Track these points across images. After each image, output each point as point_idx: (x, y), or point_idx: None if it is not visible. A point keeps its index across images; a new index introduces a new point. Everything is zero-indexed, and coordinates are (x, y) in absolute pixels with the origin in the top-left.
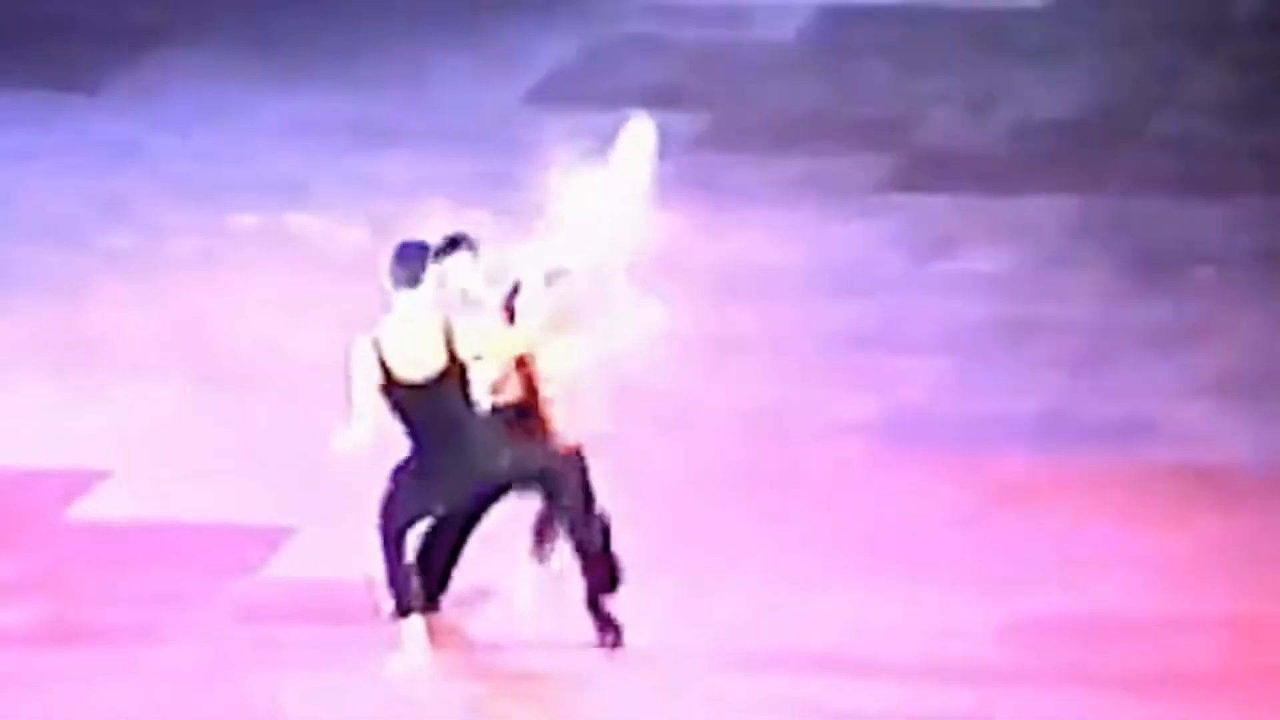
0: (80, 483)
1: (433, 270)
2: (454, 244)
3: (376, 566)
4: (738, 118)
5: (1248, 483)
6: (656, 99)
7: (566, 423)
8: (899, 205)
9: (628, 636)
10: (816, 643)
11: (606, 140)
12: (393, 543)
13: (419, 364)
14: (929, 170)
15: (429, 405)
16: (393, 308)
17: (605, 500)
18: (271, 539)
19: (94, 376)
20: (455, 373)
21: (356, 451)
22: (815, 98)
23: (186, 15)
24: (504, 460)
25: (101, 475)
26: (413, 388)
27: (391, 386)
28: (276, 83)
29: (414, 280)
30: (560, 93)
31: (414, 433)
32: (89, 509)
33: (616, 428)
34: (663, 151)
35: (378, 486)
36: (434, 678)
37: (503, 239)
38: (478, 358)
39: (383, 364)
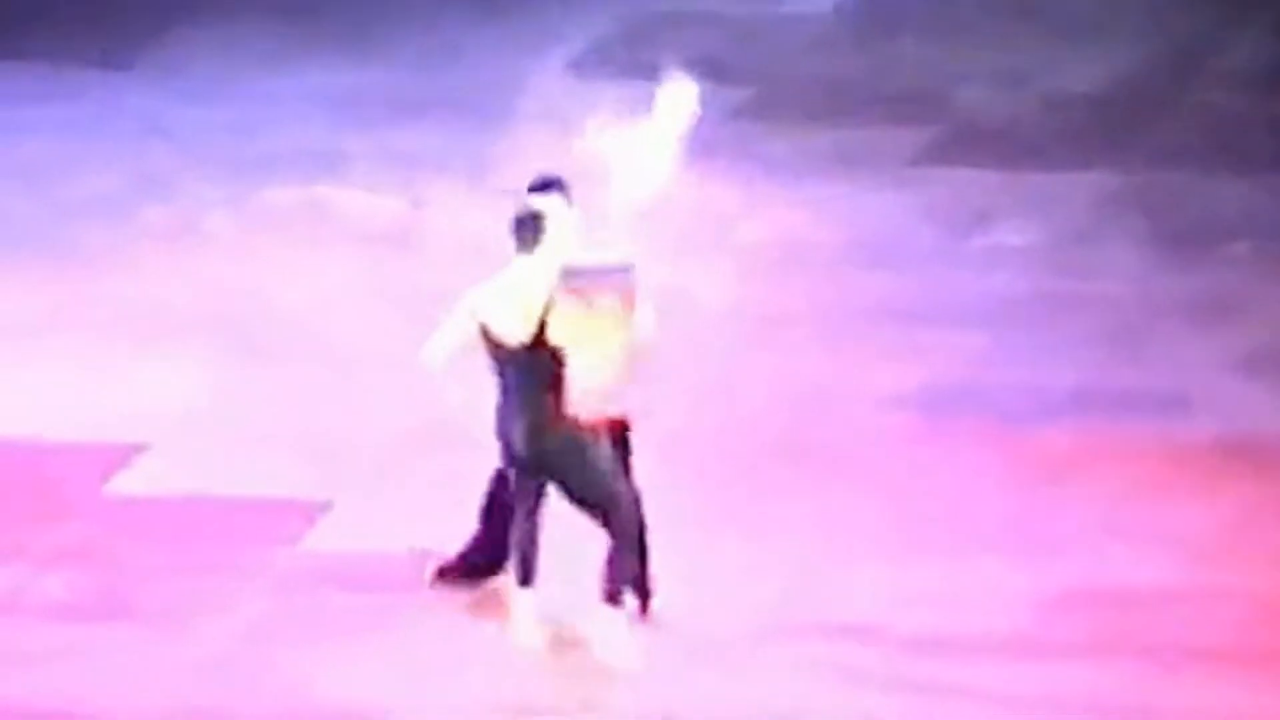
0: (118, 456)
1: (548, 240)
2: (547, 186)
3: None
4: (775, 92)
5: None
6: (694, 72)
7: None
8: (935, 179)
9: (670, 607)
10: (856, 613)
11: (645, 111)
12: (496, 507)
13: (509, 329)
14: (964, 144)
15: (509, 369)
16: (505, 271)
17: (647, 472)
18: (309, 512)
19: (130, 350)
20: (539, 349)
21: (431, 367)
22: (852, 71)
23: None
24: (526, 444)
25: (139, 448)
26: (499, 346)
27: (486, 338)
28: (310, 55)
29: (529, 246)
30: (597, 66)
31: (499, 391)
32: (127, 482)
33: (655, 404)
34: (700, 124)
35: (414, 459)
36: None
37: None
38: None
39: (484, 324)
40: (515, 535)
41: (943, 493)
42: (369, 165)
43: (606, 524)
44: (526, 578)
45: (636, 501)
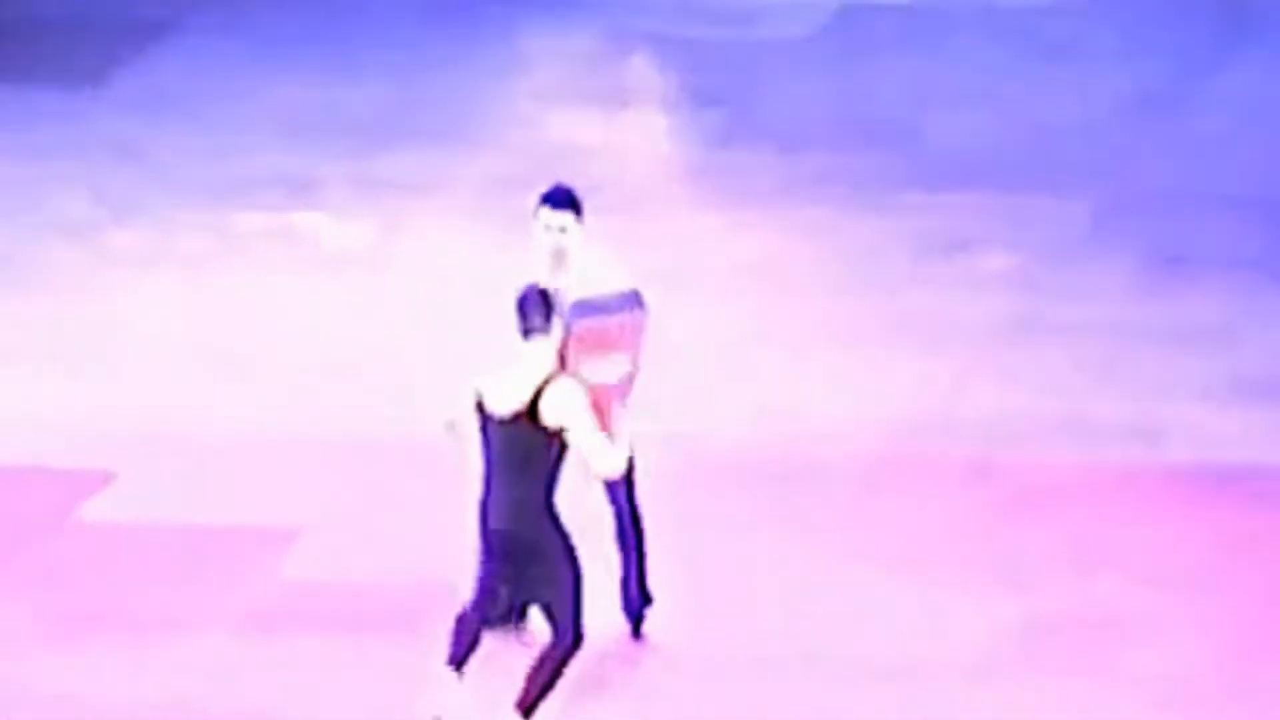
0: (88, 482)
1: (556, 320)
2: (563, 200)
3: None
4: (754, 116)
5: (1266, 483)
6: (671, 96)
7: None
8: (913, 204)
9: (648, 635)
10: (830, 642)
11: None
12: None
13: (501, 398)
14: (943, 168)
15: (496, 442)
16: (517, 350)
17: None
18: (281, 539)
19: (99, 375)
20: (530, 424)
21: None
22: (832, 96)
23: (194, 10)
24: (503, 521)
25: (109, 475)
26: (488, 418)
27: (479, 410)
28: (282, 79)
29: (543, 329)
30: (574, 90)
31: (484, 461)
32: (97, 508)
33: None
34: (679, 149)
35: (387, 484)
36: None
37: (511, 242)
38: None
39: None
40: (459, 618)
41: (922, 520)
42: (341, 189)
43: (554, 628)
44: (459, 658)
45: (637, 516)
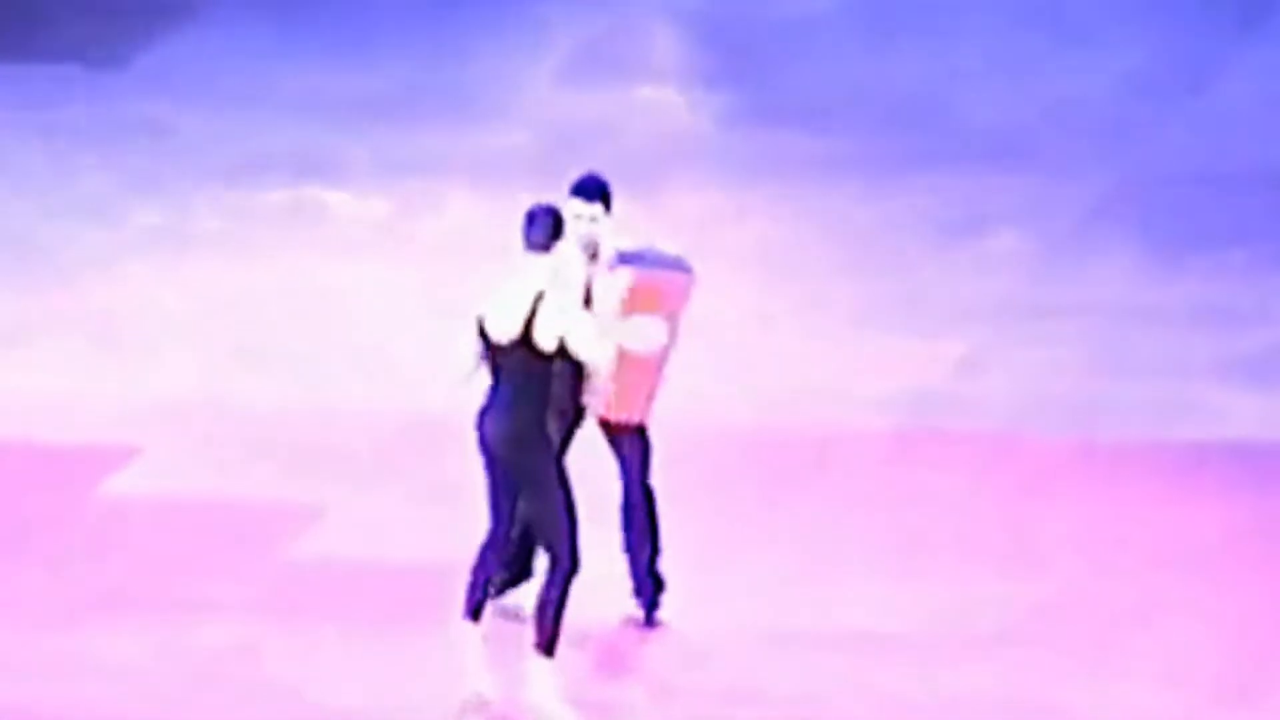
0: (113, 457)
1: (561, 242)
2: (593, 190)
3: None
4: (769, 94)
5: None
6: (687, 75)
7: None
8: (927, 184)
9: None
10: (842, 622)
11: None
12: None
13: (502, 326)
14: (958, 149)
15: (500, 367)
16: (517, 266)
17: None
18: (303, 514)
19: (123, 353)
20: (527, 345)
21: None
22: (847, 76)
23: None
24: (498, 445)
25: (132, 451)
26: (491, 344)
27: (482, 335)
28: (303, 58)
29: (545, 246)
30: (590, 69)
31: (490, 385)
32: (120, 485)
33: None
34: (694, 127)
35: (405, 463)
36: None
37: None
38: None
39: (481, 318)
40: (479, 553)
41: (930, 500)
42: (361, 168)
43: (550, 557)
44: (476, 610)
45: (650, 499)
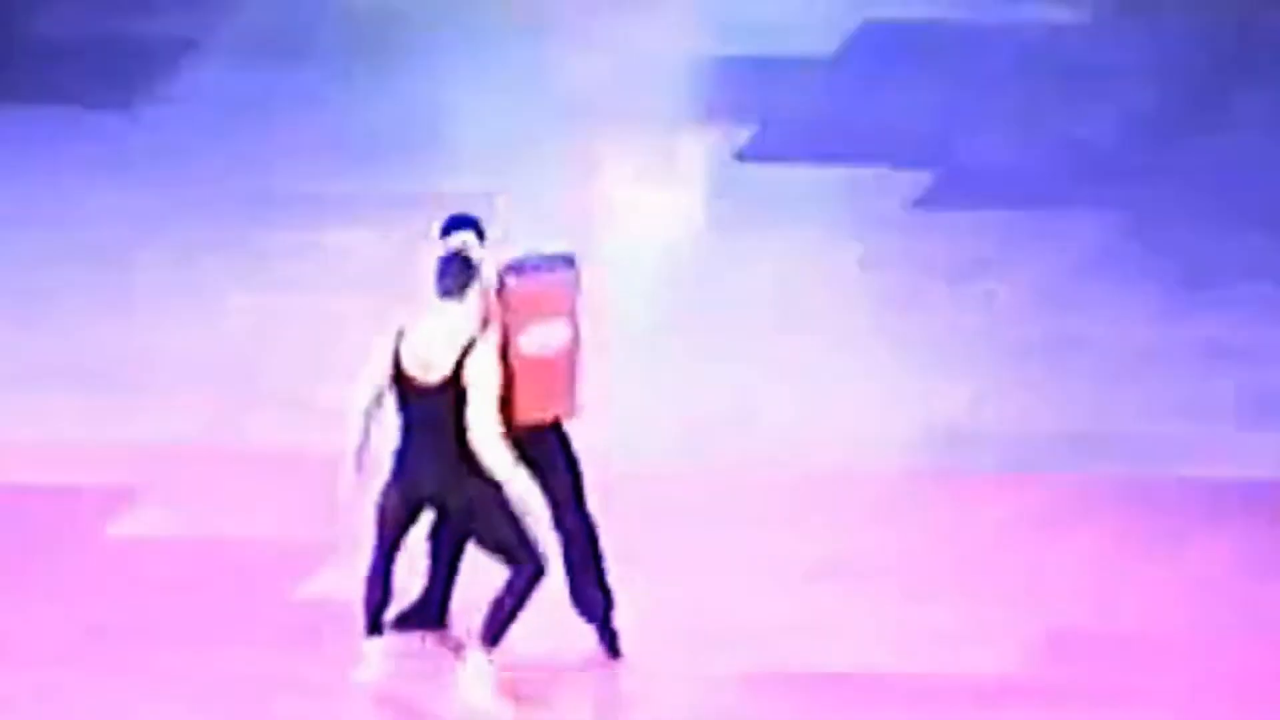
0: (114, 500)
1: (477, 286)
2: (462, 224)
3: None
4: (776, 133)
5: None
6: (694, 113)
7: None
8: (934, 221)
9: (651, 652)
10: (847, 659)
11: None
12: (375, 552)
13: (428, 366)
14: (965, 186)
15: (417, 407)
16: (430, 311)
17: (636, 519)
18: (304, 555)
19: (129, 393)
20: (454, 388)
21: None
22: (855, 113)
23: (220, 29)
24: (428, 486)
25: (138, 492)
26: (410, 383)
27: (399, 380)
28: (310, 96)
29: (459, 292)
30: (596, 108)
31: (402, 429)
32: (127, 526)
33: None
34: (700, 166)
35: None
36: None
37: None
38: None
39: (397, 358)
40: (372, 576)
41: (937, 538)
42: (368, 207)
43: (512, 568)
44: (374, 621)
45: (589, 524)
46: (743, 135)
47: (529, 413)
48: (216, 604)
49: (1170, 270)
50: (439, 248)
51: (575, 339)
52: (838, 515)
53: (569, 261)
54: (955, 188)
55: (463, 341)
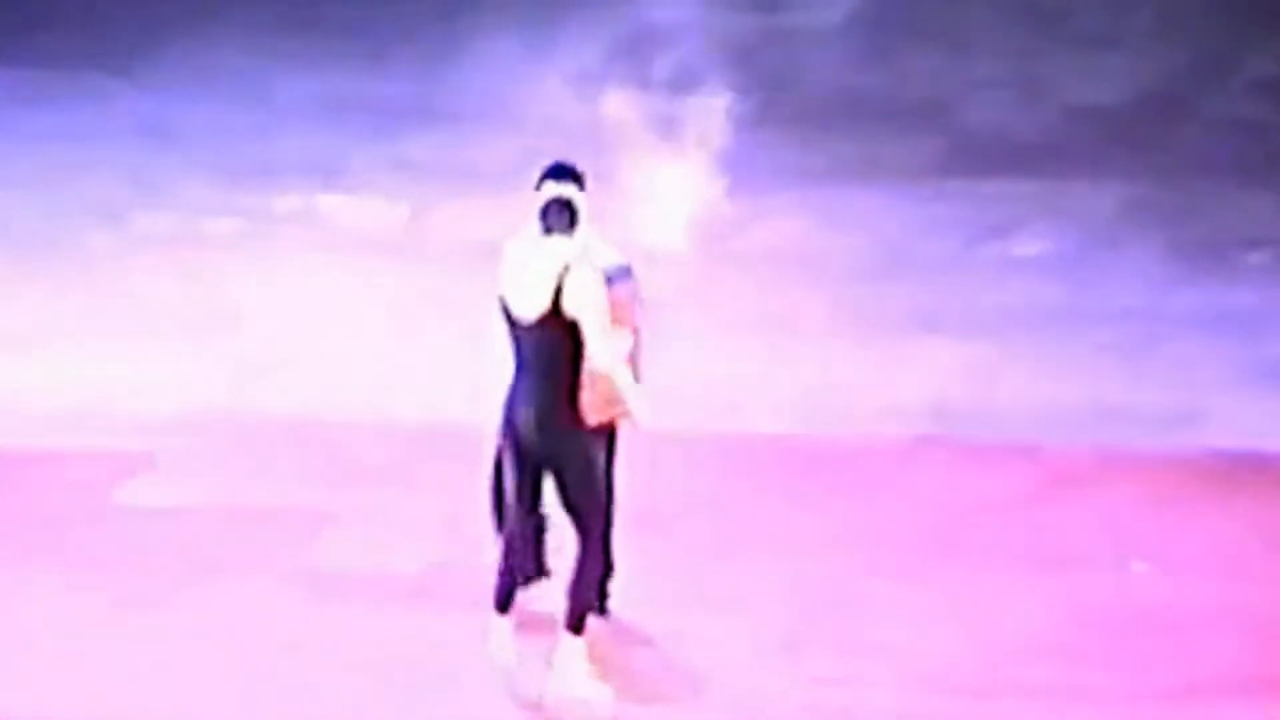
0: (124, 464)
1: (584, 226)
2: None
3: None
4: (786, 101)
5: None
6: (704, 82)
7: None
8: (948, 189)
9: (672, 620)
10: (864, 628)
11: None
12: (498, 513)
13: (528, 303)
14: (978, 154)
15: (519, 346)
16: (529, 247)
17: (650, 483)
18: (312, 521)
19: (132, 357)
20: (554, 323)
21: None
22: (864, 81)
23: None
24: (533, 430)
25: (142, 457)
26: (515, 323)
27: (505, 313)
28: (310, 62)
29: (566, 228)
30: (604, 76)
31: (515, 365)
32: (131, 492)
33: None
34: (711, 134)
35: (415, 467)
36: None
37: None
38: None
39: (503, 300)
40: (506, 542)
41: (954, 506)
42: (370, 173)
43: (584, 536)
44: (505, 602)
45: (610, 500)
46: (753, 103)
47: (595, 416)
48: (226, 570)
49: (1180, 237)
50: (539, 195)
51: (636, 347)
52: (846, 481)
53: (627, 272)
54: (965, 154)
55: (557, 273)
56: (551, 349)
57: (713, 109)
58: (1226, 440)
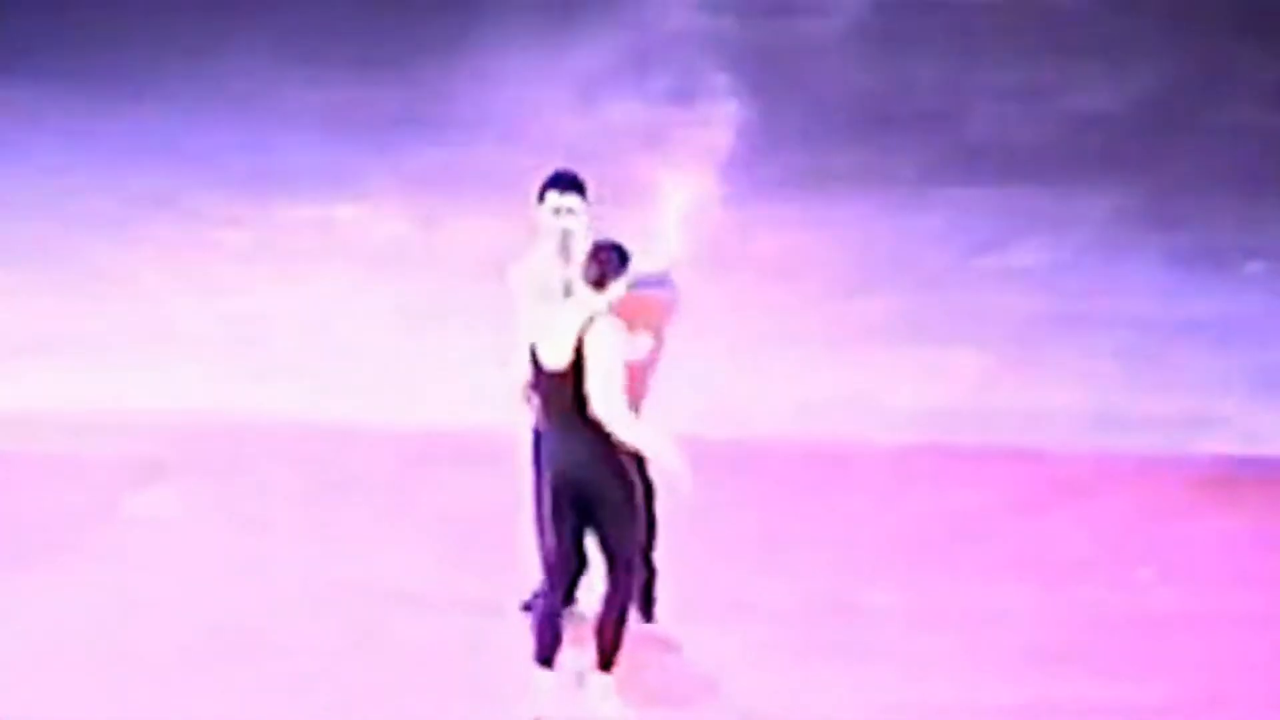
0: (130, 473)
1: (622, 279)
2: (569, 183)
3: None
4: (787, 109)
5: None
6: (708, 92)
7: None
8: (949, 197)
9: (670, 625)
10: (866, 635)
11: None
12: (544, 570)
13: (554, 353)
14: (979, 162)
15: (547, 394)
16: (572, 296)
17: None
18: (321, 529)
19: (142, 367)
20: (575, 372)
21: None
22: (865, 89)
23: (234, 7)
24: (558, 470)
25: (150, 464)
26: (542, 371)
27: (533, 361)
28: (321, 74)
29: (601, 283)
30: (609, 86)
31: (541, 411)
32: (145, 498)
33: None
34: (714, 143)
35: (427, 477)
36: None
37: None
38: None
39: (533, 347)
40: (545, 592)
41: (956, 513)
42: (381, 183)
43: (615, 573)
44: (548, 654)
45: (650, 492)
46: (753, 111)
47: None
48: (234, 578)
49: (1182, 245)
50: (541, 206)
51: (655, 357)
52: (847, 488)
53: (668, 283)
54: (968, 163)
55: (583, 322)
56: (580, 395)
57: (714, 117)
58: (1229, 446)
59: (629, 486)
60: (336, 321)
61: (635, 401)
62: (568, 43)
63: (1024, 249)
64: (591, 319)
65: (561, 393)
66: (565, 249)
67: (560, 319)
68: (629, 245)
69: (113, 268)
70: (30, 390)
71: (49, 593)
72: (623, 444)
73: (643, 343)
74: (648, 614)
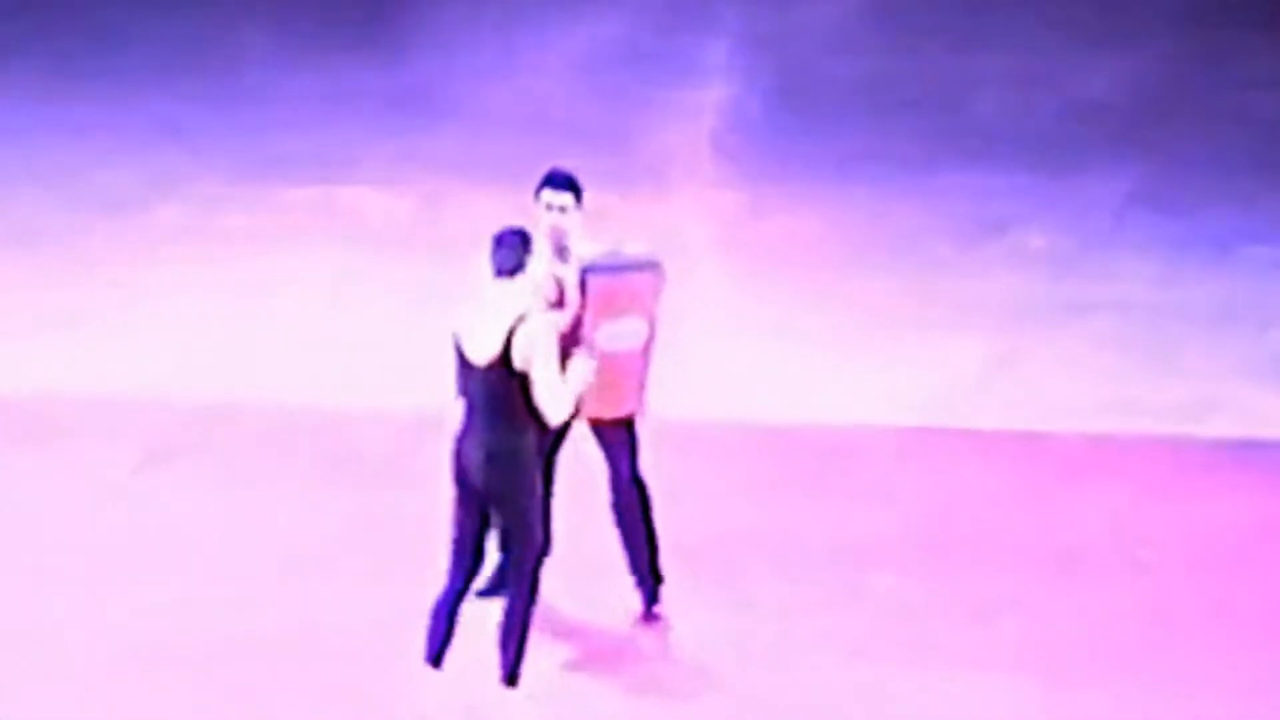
0: (131, 455)
1: (532, 264)
2: (564, 181)
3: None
4: (790, 94)
5: None
6: (708, 74)
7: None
8: (956, 184)
9: (668, 613)
10: (861, 624)
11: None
12: (449, 567)
13: (480, 347)
14: (982, 148)
15: (465, 387)
16: (485, 289)
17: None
18: (320, 511)
19: (145, 349)
20: (505, 369)
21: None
22: (871, 73)
23: None
24: (480, 471)
25: (152, 448)
26: (468, 366)
27: (458, 355)
28: (322, 55)
29: (514, 270)
30: (609, 71)
31: (465, 407)
32: (139, 482)
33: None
34: (714, 126)
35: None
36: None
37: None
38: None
39: (456, 338)
40: (440, 603)
41: (959, 498)
42: (383, 165)
43: (516, 573)
44: (438, 653)
45: (642, 489)
46: (757, 96)
47: (598, 409)
48: (232, 563)
49: (1187, 230)
50: (537, 201)
51: (650, 339)
52: (849, 473)
53: (652, 264)
54: (972, 147)
55: (509, 321)
56: (503, 392)
57: (716, 101)
58: (1232, 430)
59: (532, 490)
60: (339, 302)
61: (637, 387)
62: (569, 24)
63: (1029, 233)
64: (522, 316)
65: (486, 386)
66: (557, 246)
67: (487, 311)
68: (624, 234)
69: (116, 249)
70: (33, 372)
71: (52, 575)
72: (533, 446)
73: (635, 328)
74: (649, 613)
